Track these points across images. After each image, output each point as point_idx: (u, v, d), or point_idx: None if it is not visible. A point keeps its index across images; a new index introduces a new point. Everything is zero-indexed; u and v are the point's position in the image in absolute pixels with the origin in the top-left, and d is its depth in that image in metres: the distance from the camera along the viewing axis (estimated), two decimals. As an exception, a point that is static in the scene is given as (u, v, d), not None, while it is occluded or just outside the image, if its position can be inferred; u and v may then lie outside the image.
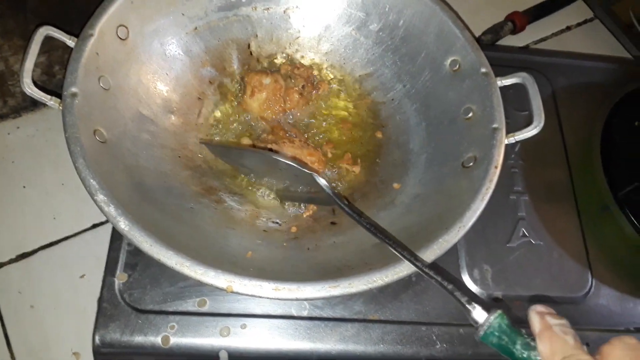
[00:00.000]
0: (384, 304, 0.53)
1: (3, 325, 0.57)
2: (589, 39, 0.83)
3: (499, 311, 0.36)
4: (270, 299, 0.41)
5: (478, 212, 0.46)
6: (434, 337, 0.52)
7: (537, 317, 0.34)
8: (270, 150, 0.54)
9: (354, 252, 0.49)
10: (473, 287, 0.55)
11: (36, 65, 0.49)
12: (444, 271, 0.55)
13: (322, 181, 0.49)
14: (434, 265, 0.43)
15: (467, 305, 0.37)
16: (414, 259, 0.41)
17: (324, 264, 0.48)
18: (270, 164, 0.51)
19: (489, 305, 0.37)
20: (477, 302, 0.37)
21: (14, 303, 0.58)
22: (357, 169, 0.58)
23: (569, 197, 0.63)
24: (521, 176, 0.63)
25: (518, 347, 0.34)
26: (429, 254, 0.44)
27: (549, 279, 0.58)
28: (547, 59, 0.74)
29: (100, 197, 0.42)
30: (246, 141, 0.57)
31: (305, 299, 0.42)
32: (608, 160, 0.62)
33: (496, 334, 0.35)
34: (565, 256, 0.59)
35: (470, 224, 0.46)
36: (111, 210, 0.42)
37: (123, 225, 0.42)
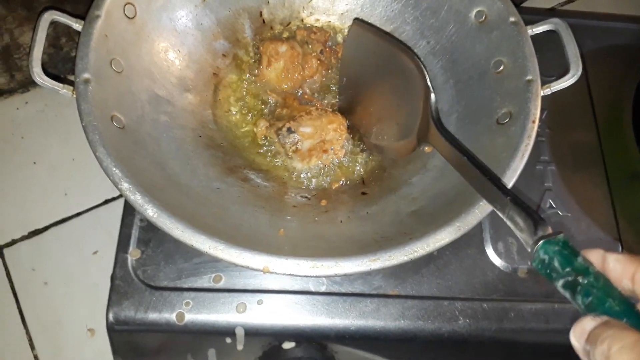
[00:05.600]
0: (404, 278, 0.51)
1: (17, 302, 0.57)
2: None
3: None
4: (310, 277, 0.39)
5: (518, 171, 0.44)
6: (457, 313, 0.50)
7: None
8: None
9: (389, 222, 0.47)
10: (497, 261, 0.53)
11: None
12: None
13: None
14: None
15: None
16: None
17: (359, 237, 0.46)
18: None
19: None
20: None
21: (28, 280, 0.58)
22: None
23: (598, 165, 0.60)
24: (548, 145, 0.60)
25: (579, 260, 0.29)
26: (471, 219, 0.41)
27: (577, 251, 0.55)
28: (575, 20, 0.69)
29: (125, 185, 0.41)
30: (263, 124, 0.55)
31: (345, 275, 0.40)
32: (639, 125, 0.59)
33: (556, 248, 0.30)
34: (594, 227, 0.56)
35: (511, 183, 0.43)
36: (137, 198, 0.40)
37: (151, 212, 0.40)
